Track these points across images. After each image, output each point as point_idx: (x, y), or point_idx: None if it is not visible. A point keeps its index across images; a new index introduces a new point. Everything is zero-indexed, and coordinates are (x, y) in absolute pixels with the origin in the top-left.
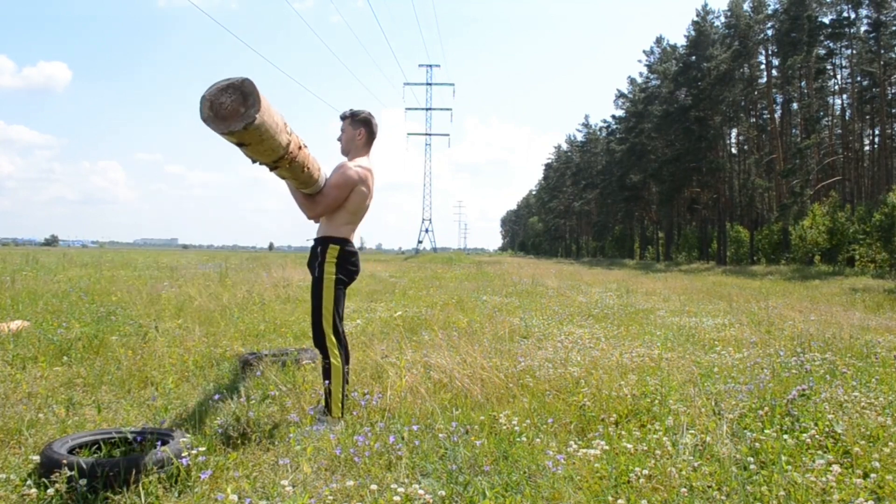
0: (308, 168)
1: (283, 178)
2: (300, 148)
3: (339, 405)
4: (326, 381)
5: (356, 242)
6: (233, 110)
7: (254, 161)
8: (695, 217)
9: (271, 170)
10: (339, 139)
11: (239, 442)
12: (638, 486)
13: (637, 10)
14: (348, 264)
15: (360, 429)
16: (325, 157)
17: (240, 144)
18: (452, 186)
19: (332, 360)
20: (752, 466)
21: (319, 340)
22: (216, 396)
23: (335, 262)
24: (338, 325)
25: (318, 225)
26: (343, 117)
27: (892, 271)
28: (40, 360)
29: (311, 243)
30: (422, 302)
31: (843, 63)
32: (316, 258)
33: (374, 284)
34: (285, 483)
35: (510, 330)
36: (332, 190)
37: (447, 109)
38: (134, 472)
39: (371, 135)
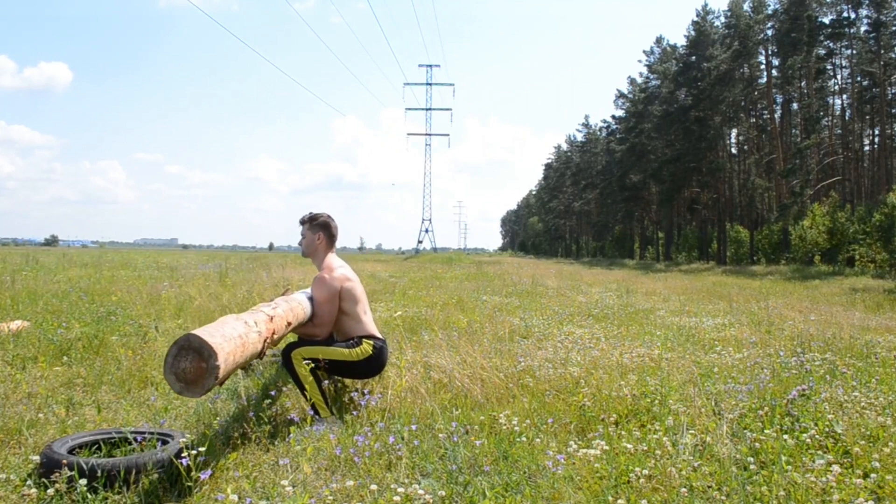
0: (290, 323)
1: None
2: (272, 319)
3: (324, 406)
4: (302, 391)
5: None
6: (197, 369)
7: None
8: (695, 217)
9: (262, 357)
10: (300, 243)
11: (239, 442)
12: (638, 486)
13: (637, 10)
14: (375, 357)
15: (360, 429)
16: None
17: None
18: (452, 186)
19: (294, 367)
20: (752, 466)
21: (286, 351)
22: (216, 396)
23: (368, 353)
24: (309, 361)
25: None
26: (302, 222)
27: (892, 271)
28: (40, 360)
29: None
30: (422, 302)
31: (843, 63)
32: (349, 341)
33: (374, 284)
34: (285, 483)
35: (510, 330)
36: (324, 307)
37: (447, 109)
38: (134, 472)
39: (331, 238)
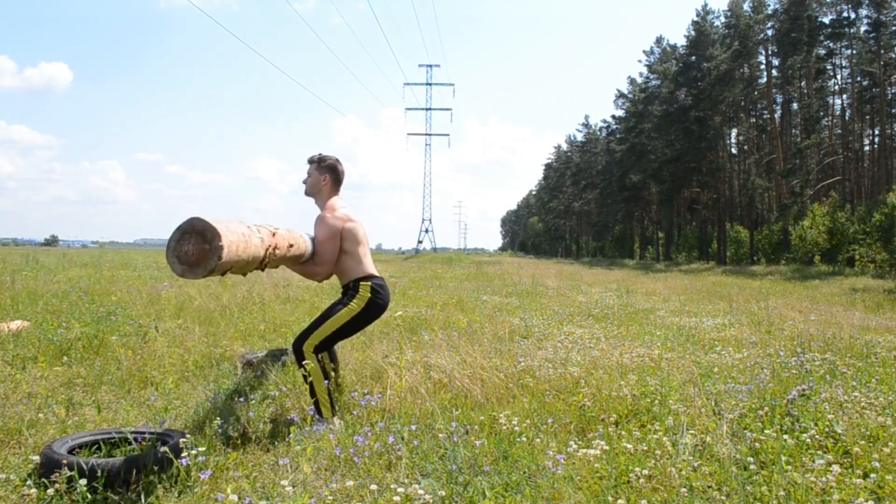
0: (293, 246)
1: (276, 266)
2: (274, 235)
3: (328, 406)
4: (311, 389)
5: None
6: (199, 252)
7: (245, 273)
8: (695, 217)
9: (263, 269)
10: (305, 182)
11: (239, 442)
12: (638, 486)
13: (637, 10)
14: (378, 298)
15: (359, 429)
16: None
17: (225, 272)
18: (452, 186)
19: (306, 364)
20: (752, 466)
21: (298, 344)
22: (216, 396)
23: (368, 297)
24: (324, 346)
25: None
26: (310, 161)
27: (892, 271)
28: (40, 360)
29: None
30: (422, 302)
31: (843, 63)
32: (347, 292)
33: None
34: (285, 483)
35: (510, 330)
36: (325, 245)
37: (447, 109)
38: (134, 472)
39: (337, 181)
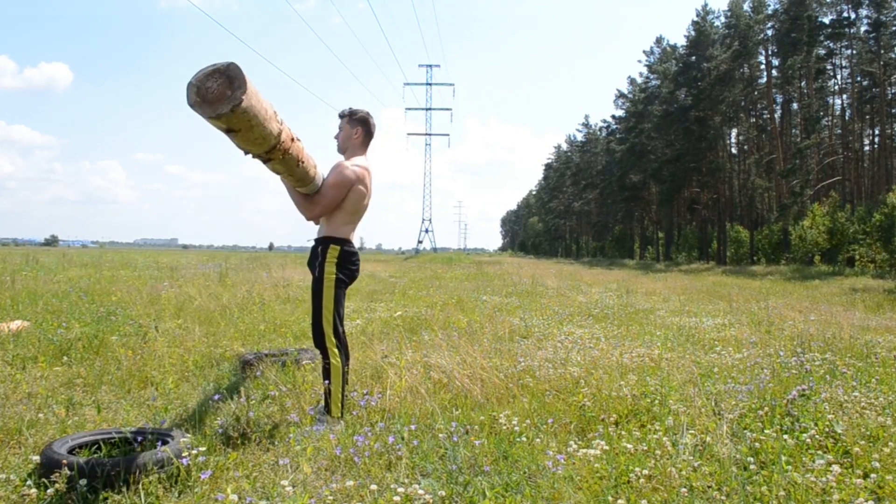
0: (303, 162)
1: (277, 172)
2: (293, 140)
3: (339, 405)
4: (326, 381)
5: (356, 242)
6: (219, 94)
7: (246, 153)
8: (695, 217)
9: (265, 162)
10: (336, 137)
11: (239, 442)
12: (638, 486)
13: (637, 10)
14: (349, 264)
15: (359, 429)
16: (324, 157)
17: (229, 131)
18: (452, 186)
19: (331, 360)
20: (752, 466)
21: (319, 340)
22: (216, 396)
23: (336, 262)
24: (338, 326)
25: (317, 226)
26: (342, 115)
27: (892, 271)
28: (40, 360)
29: (312, 244)
30: (422, 302)
31: (843, 63)
32: (316, 258)
33: (374, 284)
34: (285, 483)
35: (510, 330)
36: (330, 190)
37: (447, 109)
38: (134, 472)
39: (368, 134)
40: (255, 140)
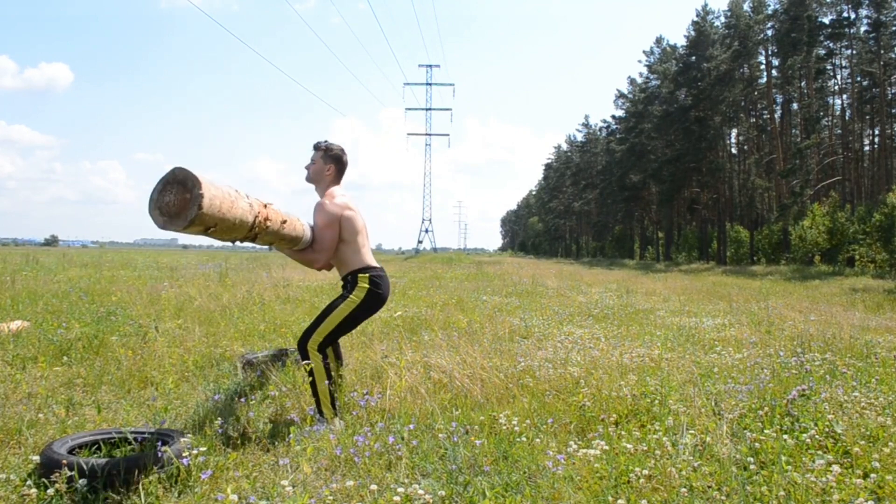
0: (286, 222)
1: (270, 243)
2: (265, 206)
3: (330, 407)
4: (311, 385)
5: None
6: (181, 201)
7: (233, 241)
8: (695, 217)
9: (253, 240)
10: (307, 167)
11: (239, 442)
12: (638, 486)
13: (637, 10)
14: (377, 289)
15: (359, 429)
16: None
17: (208, 230)
18: (452, 186)
19: (312, 360)
20: (752, 466)
21: (303, 342)
22: (216, 396)
23: (367, 287)
24: (328, 341)
25: (332, 270)
26: (316, 147)
27: (892, 271)
28: (40, 360)
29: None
30: (422, 302)
31: (843, 63)
32: (346, 286)
33: None
34: (285, 483)
35: (510, 330)
36: (324, 231)
37: (447, 109)
38: (134, 472)
39: (340, 171)
40: (235, 226)
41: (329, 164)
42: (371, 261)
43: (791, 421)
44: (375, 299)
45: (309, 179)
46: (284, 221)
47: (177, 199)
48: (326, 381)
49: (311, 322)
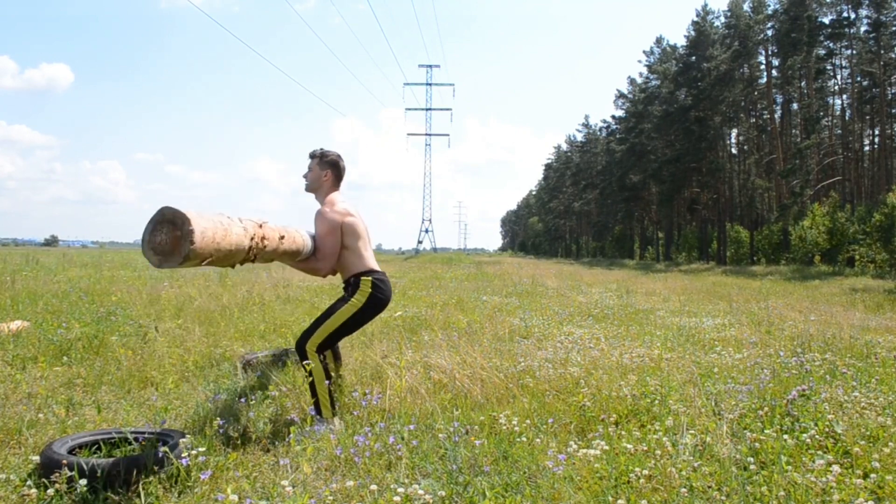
0: (284, 237)
1: (272, 260)
2: (261, 226)
3: (329, 406)
4: (312, 388)
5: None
6: (173, 239)
7: (233, 266)
8: (695, 217)
9: (253, 261)
10: (305, 176)
11: (239, 442)
12: (638, 487)
13: (637, 10)
14: (378, 293)
15: (360, 429)
16: None
17: (205, 261)
18: (452, 186)
19: (311, 361)
20: (752, 466)
21: (301, 342)
22: (216, 396)
23: (369, 291)
24: (328, 343)
25: (336, 276)
26: (312, 156)
27: (892, 271)
28: (40, 360)
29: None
30: (422, 302)
31: (843, 63)
32: (348, 288)
33: None
34: (285, 483)
35: (510, 330)
36: (326, 239)
37: (447, 109)
38: (134, 472)
39: (338, 176)
40: (232, 252)
41: (326, 169)
42: (373, 264)
43: (791, 421)
44: (377, 303)
45: (308, 189)
46: (282, 237)
47: (168, 237)
48: (326, 382)
49: (311, 323)
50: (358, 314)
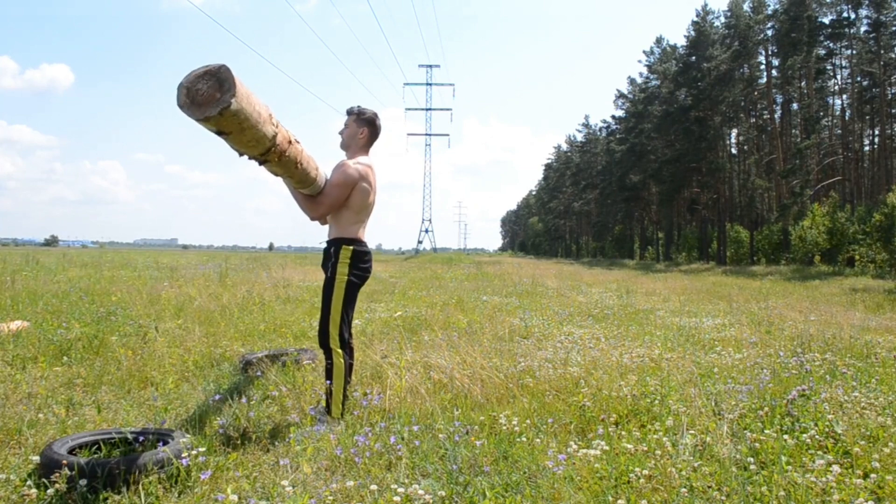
0: (301, 164)
1: (276, 174)
2: (290, 142)
3: (340, 405)
4: (328, 381)
5: (370, 244)
6: (209, 96)
7: (241, 154)
8: (695, 217)
9: (260, 164)
10: (341, 133)
11: (239, 442)
12: (638, 487)
13: (637, 10)
14: (360, 263)
15: (360, 429)
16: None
17: (220, 133)
18: (452, 187)
19: (334, 360)
20: (752, 466)
21: (323, 340)
22: (216, 396)
23: (348, 262)
24: (343, 329)
25: (327, 227)
26: (349, 112)
27: (892, 271)
28: (40, 360)
29: (321, 245)
30: (422, 302)
31: (843, 63)
32: (329, 259)
33: (374, 284)
34: (285, 483)
35: (510, 330)
36: (334, 189)
37: (447, 110)
38: (134, 472)
39: (374, 135)
40: (247, 143)
41: (362, 126)
42: (362, 236)
43: (791, 421)
44: (360, 272)
45: (343, 146)
46: (300, 164)
47: (208, 91)
48: (345, 382)
49: (321, 319)
50: (348, 287)
